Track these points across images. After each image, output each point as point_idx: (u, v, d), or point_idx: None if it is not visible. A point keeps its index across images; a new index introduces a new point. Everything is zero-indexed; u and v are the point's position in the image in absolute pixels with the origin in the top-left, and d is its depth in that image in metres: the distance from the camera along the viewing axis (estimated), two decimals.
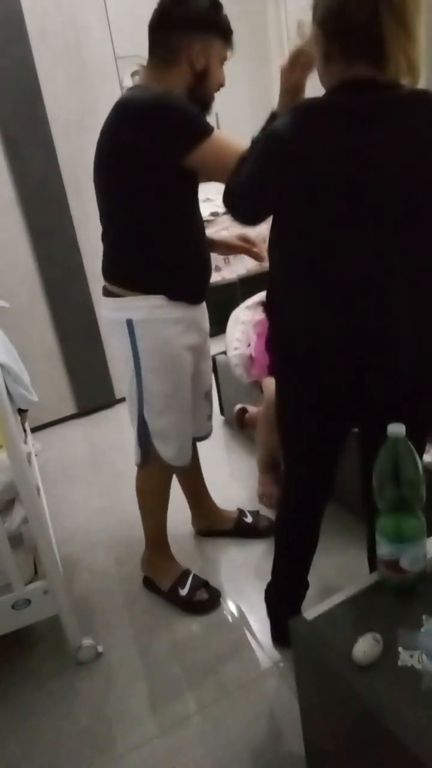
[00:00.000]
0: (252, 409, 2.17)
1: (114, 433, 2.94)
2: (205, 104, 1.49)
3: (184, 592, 1.80)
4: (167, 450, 1.66)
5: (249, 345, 2.31)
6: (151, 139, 1.35)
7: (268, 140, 1.10)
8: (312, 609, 1.08)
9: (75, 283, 2.84)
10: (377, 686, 0.92)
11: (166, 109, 1.34)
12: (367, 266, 1.08)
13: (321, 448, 1.34)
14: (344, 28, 1.04)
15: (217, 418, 2.61)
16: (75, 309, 2.89)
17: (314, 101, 1.08)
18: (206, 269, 1.61)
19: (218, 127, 3.60)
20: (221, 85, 1.49)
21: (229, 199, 1.22)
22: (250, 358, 2.29)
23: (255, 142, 1.17)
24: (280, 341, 1.27)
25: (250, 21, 3.86)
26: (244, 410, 2.18)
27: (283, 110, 1.19)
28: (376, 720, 0.88)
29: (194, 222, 1.55)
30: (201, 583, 1.82)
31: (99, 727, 1.51)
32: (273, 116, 1.21)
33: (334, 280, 1.11)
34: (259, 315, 2.39)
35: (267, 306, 1.28)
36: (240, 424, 2.20)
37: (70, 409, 3.09)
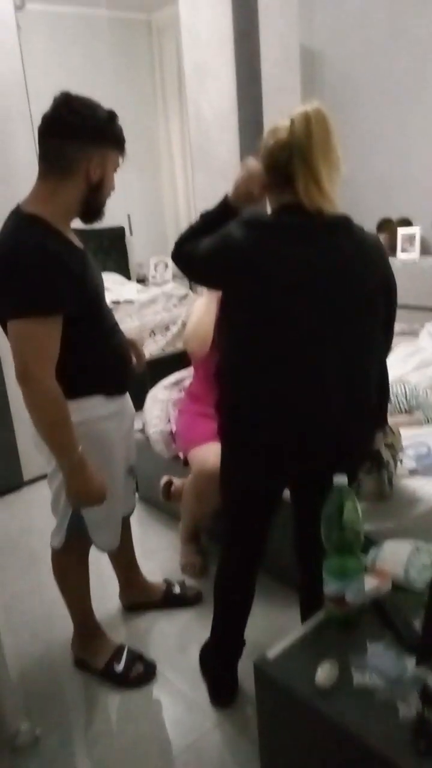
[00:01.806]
0: (177, 481, 2.29)
1: (23, 517, 2.89)
2: (98, 212, 1.52)
3: (120, 668, 1.81)
4: (102, 537, 1.72)
5: (169, 421, 2.46)
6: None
7: (228, 243, 1.32)
8: (272, 649, 1.20)
9: None
10: (340, 705, 1.06)
11: (13, 269, 1.35)
12: (305, 350, 1.32)
13: (260, 505, 1.51)
14: (273, 164, 1.35)
15: None
16: None
17: (264, 219, 1.36)
18: (129, 360, 1.70)
19: (128, 223, 3.85)
20: (112, 190, 1.52)
21: (181, 262, 1.47)
22: (171, 434, 2.44)
23: (205, 215, 1.45)
24: (228, 407, 1.45)
25: (143, 132, 4.31)
26: (170, 482, 2.30)
27: (235, 200, 1.43)
28: (343, 732, 1.02)
29: (107, 320, 1.60)
30: (136, 657, 1.84)
31: None
32: (226, 200, 1.44)
33: (277, 360, 1.33)
34: (177, 394, 2.57)
35: (217, 375, 1.46)
36: (166, 496, 2.30)
37: None
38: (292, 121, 1.27)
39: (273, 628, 1.93)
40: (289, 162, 1.29)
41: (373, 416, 1.46)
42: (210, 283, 1.56)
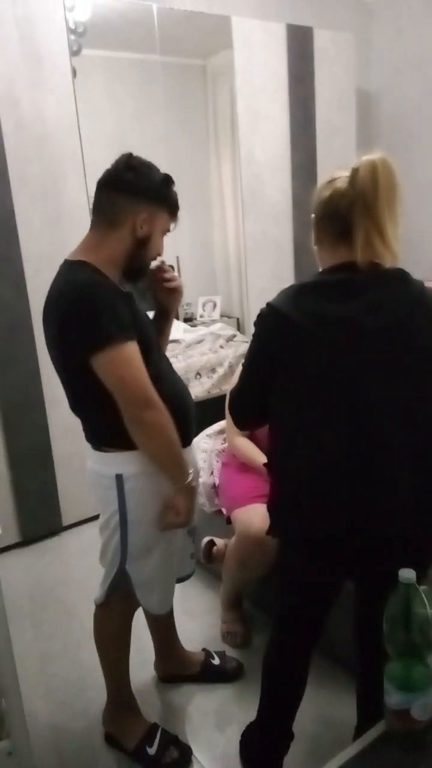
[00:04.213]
0: (219, 542, 2.15)
1: (60, 565, 2.79)
2: (140, 271, 1.50)
3: (152, 751, 1.66)
4: (151, 599, 1.61)
5: (212, 473, 2.34)
6: (63, 333, 1.37)
7: (263, 313, 1.24)
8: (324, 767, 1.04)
9: (33, 409, 2.83)
10: None
11: (80, 308, 1.33)
12: (360, 423, 1.17)
13: (315, 596, 1.36)
14: (328, 213, 1.23)
15: None
16: (30, 434, 2.85)
17: (303, 282, 1.25)
18: (188, 409, 1.57)
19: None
20: (159, 254, 1.51)
21: (230, 404, 1.38)
22: (213, 487, 2.31)
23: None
24: (283, 499, 1.31)
25: (196, 175, 4.31)
26: (212, 543, 2.15)
27: None
28: None
29: (157, 365, 1.51)
30: (170, 740, 1.69)
31: None
32: None
33: (326, 437, 1.19)
34: (221, 444, 2.45)
35: (269, 466, 1.34)
36: (207, 558, 2.16)
37: (13, 537, 2.93)
38: (357, 170, 1.16)
39: (324, 716, 1.76)
40: (349, 211, 1.17)
41: None
42: (258, 395, 1.29)
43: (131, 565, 1.54)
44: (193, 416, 1.60)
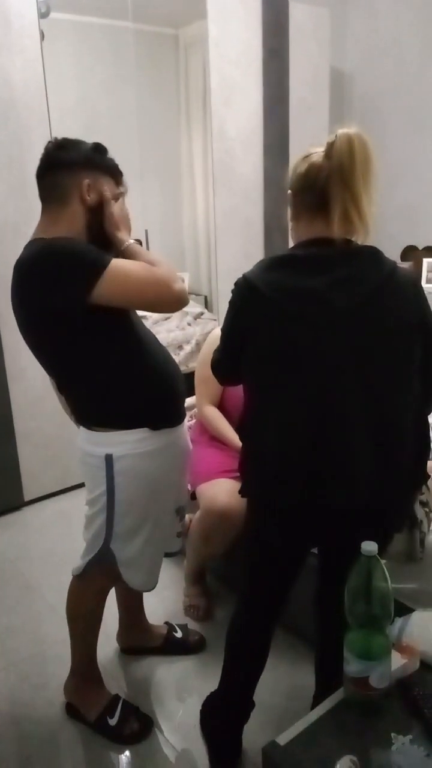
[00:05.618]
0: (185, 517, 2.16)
1: (21, 540, 2.76)
2: (109, 242, 1.46)
3: (113, 722, 1.67)
4: (135, 577, 1.59)
5: None
6: (49, 292, 1.31)
7: (238, 282, 1.25)
8: (284, 734, 1.06)
9: None
10: None
11: (52, 258, 1.32)
12: (321, 394, 1.18)
13: (280, 566, 1.38)
14: (306, 186, 1.23)
15: None
16: None
17: (276, 255, 1.25)
18: (177, 386, 1.54)
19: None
20: (127, 223, 1.48)
21: (212, 361, 1.38)
22: None
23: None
24: (249, 462, 1.32)
25: (165, 147, 4.24)
26: None
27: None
28: None
29: (144, 344, 1.48)
30: (131, 711, 1.70)
31: None
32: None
33: (289, 408, 1.20)
34: (188, 420, 2.44)
35: (239, 428, 1.35)
36: None
37: None
38: (333, 142, 1.16)
39: (283, 687, 1.80)
40: (326, 183, 1.18)
41: (410, 475, 1.31)
42: (235, 357, 1.31)
43: (116, 545, 1.52)
44: (182, 389, 1.57)
